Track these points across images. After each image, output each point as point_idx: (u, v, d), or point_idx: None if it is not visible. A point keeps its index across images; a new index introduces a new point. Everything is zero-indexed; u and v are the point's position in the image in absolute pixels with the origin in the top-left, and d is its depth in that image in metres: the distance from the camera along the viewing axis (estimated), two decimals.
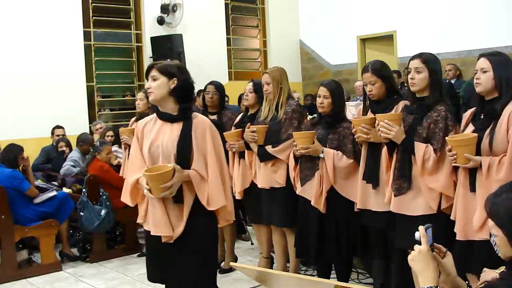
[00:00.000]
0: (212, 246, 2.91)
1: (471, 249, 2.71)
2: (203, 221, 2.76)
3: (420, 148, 2.94)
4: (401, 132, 2.99)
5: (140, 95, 5.16)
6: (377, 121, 3.08)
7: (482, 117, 2.78)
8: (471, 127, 2.81)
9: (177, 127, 2.74)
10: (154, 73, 2.76)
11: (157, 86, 2.73)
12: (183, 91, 2.76)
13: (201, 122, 2.77)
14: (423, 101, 3.04)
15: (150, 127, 2.81)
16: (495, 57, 2.73)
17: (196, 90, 3.15)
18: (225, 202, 2.75)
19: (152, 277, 2.92)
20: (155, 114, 2.84)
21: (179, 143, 2.70)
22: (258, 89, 4.24)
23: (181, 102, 2.77)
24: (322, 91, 3.64)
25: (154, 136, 2.77)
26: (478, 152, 2.69)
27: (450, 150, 2.74)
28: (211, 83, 4.65)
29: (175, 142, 2.71)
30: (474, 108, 2.88)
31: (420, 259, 1.63)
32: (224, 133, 4.12)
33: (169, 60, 2.91)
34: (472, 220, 2.68)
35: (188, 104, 2.80)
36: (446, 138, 2.81)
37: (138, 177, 2.73)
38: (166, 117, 2.78)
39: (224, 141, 3.61)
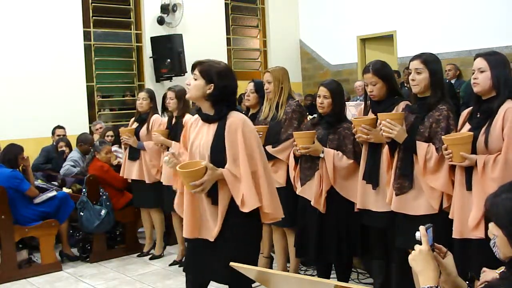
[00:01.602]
0: (249, 248, 2.78)
1: (469, 247, 2.71)
2: (240, 223, 2.70)
3: (422, 147, 2.94)
4: (403, 131, 3.00)
5: (143, 95, 5.13)
6: (379, 120, 3.08)
7: (478, 116, 2.78)
8: (467, 126, 2.82)
9: (213, 128, 2.76)
10: (195, 72, 2.76)
11: (194, 86, 2.75)
12: (219, 97, 2.73)
13: (234, 122, 2.72)
14: (425, 101, 3.04)
15: (194, 126, 2.86)
16: (491, 56, 2.74)
17: None
18: (259, 203, 2.67)
19: (187, 270, 2.93)
20: None
21: (213, 144, 2.72)
22: (259, 89, 4.25)
23: (217, 105, 2.75)
24: (322, 91, 3.64)
25: (194, 136, 2.82)
26: (474, 151, 2.70)
27: (446, 149, 2.75)
28: None
29: (210, 143, 2.73)
30: (471, 107, 2.88)
31: (420, 259, 1.63)
32: None
33: (213, 60, 2.84)
34: (468, 219, 2.68)
35: (223, 104, 2.75)
36: (442, 136, 2.82)
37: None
38: (204, 118, 2.81)
39: None
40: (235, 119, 2.74)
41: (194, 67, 2.78)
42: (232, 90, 2.80)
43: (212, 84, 2.71)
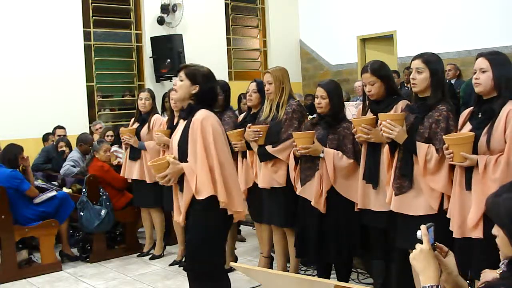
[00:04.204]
0: (208, 236, 2.94)
1: (469, 247, 2.71)
2: (201, 211, 2.91)
3: (422, 148, 2.94)
4: (403, 132, 2.99)
5: (145, 94, 5.12)
6: (379, 121, 3.08)
7: (479, 116, 2.78)
8: (468, 126, 2.82)
9: (183, 125, 3.02)
10: (181, 74, 3.01)
11: (180, 87, 2.99)
12: (203, 98, 2.99)
13: (197, 119, 2.93)
14: (425, 101, 3.04)
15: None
16: (493, 56, 2.74)
17: None
18: (212, 192, 2.84)
19: None
20: None
21: (179, 140, 2.99)
22: (261, 89, 4.24)
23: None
24: (319, 91, 3.65)
25: (175, 132, 3.10)
26: (475, 151, 2.70)
27: (447, 149, 2.75)
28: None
29: (178, 139, 3.00)
30: (472, 107, 2.88)
31: (421, 258, 1.63)
32: (227, 133, 4.12)
33: (200, 66, 3.12)
34: (467, 218, 2.68)
35: (195, 104, 2.98)
36: (443, 136, 2.82)
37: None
38: (181, 116, 3.10)
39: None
40: (199, 116, 2.94)
41: (179, 70, 3.04)
42: (215, 91, 3.11)
43: (197, 85, 2.96)
